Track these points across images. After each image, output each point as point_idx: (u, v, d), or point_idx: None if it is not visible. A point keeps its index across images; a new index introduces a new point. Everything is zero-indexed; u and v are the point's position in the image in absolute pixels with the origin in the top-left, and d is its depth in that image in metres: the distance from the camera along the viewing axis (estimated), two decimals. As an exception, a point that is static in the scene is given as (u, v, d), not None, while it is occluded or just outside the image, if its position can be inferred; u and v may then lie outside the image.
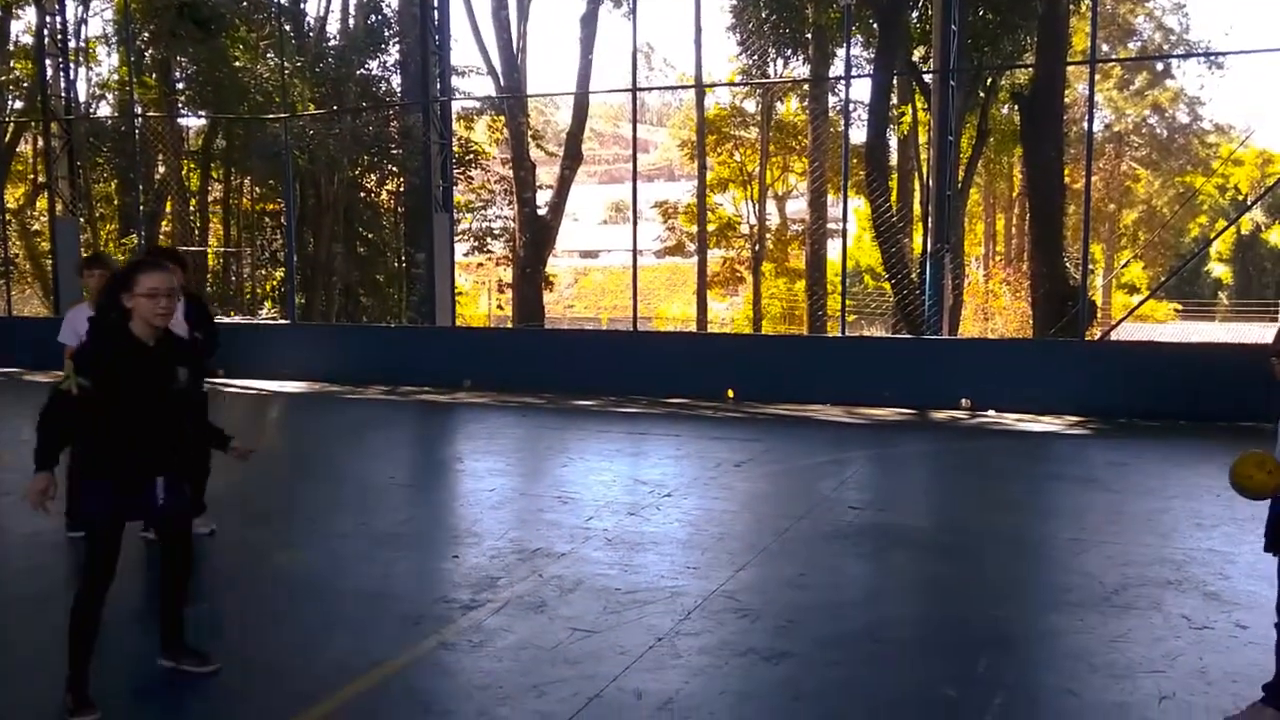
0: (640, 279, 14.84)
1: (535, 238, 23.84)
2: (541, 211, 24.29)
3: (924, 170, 20.48)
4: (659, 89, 16.27)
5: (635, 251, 14.27)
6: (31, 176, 28.97)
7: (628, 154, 24.55)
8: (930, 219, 16.19)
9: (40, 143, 28.14)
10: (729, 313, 27.97)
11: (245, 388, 14.24)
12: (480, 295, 30.84)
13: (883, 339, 16.54)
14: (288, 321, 16.99)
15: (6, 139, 28.89)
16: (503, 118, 25.55)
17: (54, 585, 5.87)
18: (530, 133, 24.41)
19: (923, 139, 21.28)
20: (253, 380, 14.56)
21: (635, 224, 14.33)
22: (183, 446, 4.26)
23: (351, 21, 25.12)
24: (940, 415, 12.02)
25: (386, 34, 23.40)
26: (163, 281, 4.00)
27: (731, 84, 23.34)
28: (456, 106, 17.29)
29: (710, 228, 23.08)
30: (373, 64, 23.85)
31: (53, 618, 4.56)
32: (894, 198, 20.93)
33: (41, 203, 28.61)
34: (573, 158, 23.49)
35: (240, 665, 4.76)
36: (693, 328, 18.27)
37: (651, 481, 8.52)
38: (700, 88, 15.31)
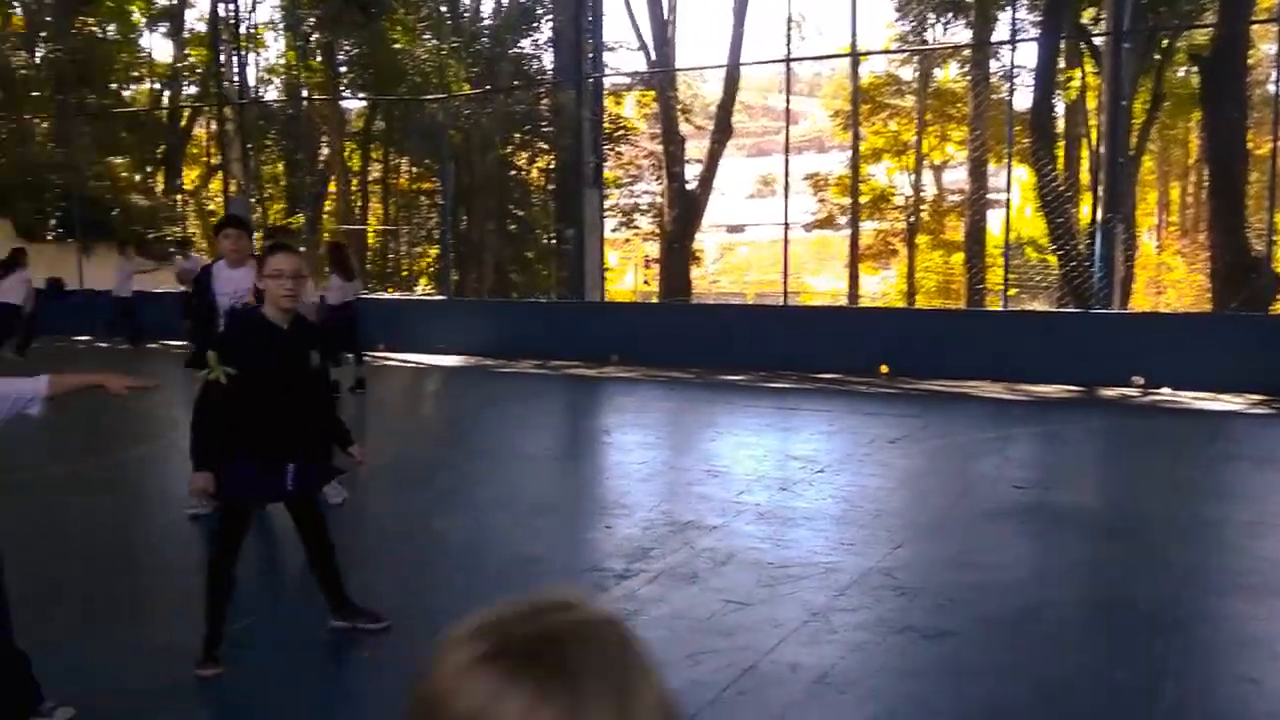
0: (789, 252, 14.64)
1: (683, 212, 23.78)
2: (690, 186, 24.21)
3: (1093, 137, 19.50)
4: (812, 59, 15.96)
5: (786, 224, 14.08)
6: (205, 159, 30.53)
7: (776, 126, 24.23)
8: (1100, 187, 15.43)
9: (214, 126, 29.64)
10: (881, 286, 27.35)
11: (403, 361, 14.67)
12: (627, 270, 31.02)
13: (1048, 313, 15.88)
14: (443, 297, 17.43)
15: (183, 123, 30.53)
16: (652, 92, 25.55)
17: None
18: (679, 107, 24.33)
19: (1092, 104, 20.29)
20: (410, 354, 14.99)
21: (787, 196, 14.14)
22: (314, 428, 4.29)
23: (505, 1, 25.49)
24: (1110, 393, 11.46)
25: (539, 12, 23.65)
26: (287, 263, 4.03)
27: (888, 51, 22.73)
28: (607, 82, 17.36)
29: (863, 199, 22.57)
30: (525, 42, 24.16)
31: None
32: (1060, 166, 20.05)
33: (215, 184, 30.15)
34: (722, 131, 23.28)
35: (402, 628, 4.89)
36: (843, 302, 17.92)
37: (803, 457, 8.37)
38: (855, 56, 14.92)
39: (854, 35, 14.15)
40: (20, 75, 26.40)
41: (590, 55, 15.22)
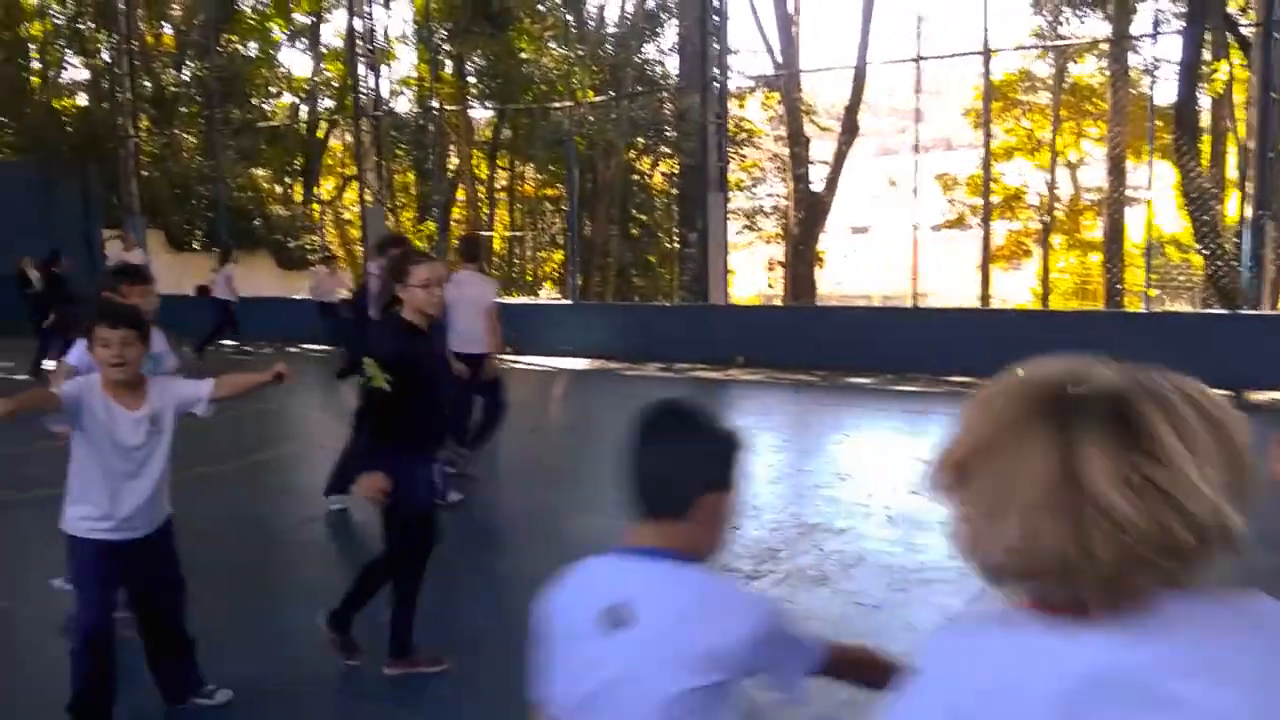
0: (917, 253, 14.39)
1: (808, 214, 23.60)
2: (815, 187, 24.00)
3: (1241, 131, 18.60)
4: (943, 57, 15.60)
5: (915, 225, 13.85)
6: (340, 169, 31.62)
7: (902, 125, 23.79)
8: (1249, 184, 14.70)
9: (349, 138, 30.66)
10: (1013, 288, 26.60)
11: (530, 364, 14.91)
12: (750, 273, 30.92)
13: (1192, 314, 15.21)
14: (568, 301, 17.64)
15: (320, 135, 31.67)
16: (777, 94, 25.43)
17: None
18: (804, 108, 24.16)
19: (1239, 97, 19.36)
20: (537, 357, 15.22)
21: (915, 197, 13.89)
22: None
23: (630, 7, 25.72)
24: (1260, 397, 10.92)
25: (664, 17, 23.79)
26: (434, 272, 4.20)
27: (1022, 47, 22.11)
28: (731, 85, 17.33)
29: (994, 199, 22.01)
30: (649, 48, 24.34)
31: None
32: (1205, 162, 19.19)
33: (350, 193, 31.19)
34: (849, 132, 23.04)
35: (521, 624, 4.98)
36: (974, 304, 17.52)
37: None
38: (987, 52, 14.57)
39: (985, 31, 13.83)
40: (170, 93, 27.78)
41: (715, 59, 15.21)
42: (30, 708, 4.16)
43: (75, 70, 28.00)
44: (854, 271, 36.94)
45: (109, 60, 23.66)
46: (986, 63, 14.99)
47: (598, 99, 21.86)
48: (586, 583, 1.80)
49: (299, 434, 10.58)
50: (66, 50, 27.33)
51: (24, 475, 8.55)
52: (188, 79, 28.12)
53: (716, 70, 15.30)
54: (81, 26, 26.52)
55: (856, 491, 7.30)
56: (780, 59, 23.09)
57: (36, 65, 28.04)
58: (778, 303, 25.25)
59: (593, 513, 7.05)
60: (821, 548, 5.96)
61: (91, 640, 3.59)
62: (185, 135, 27.01)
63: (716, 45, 15.21)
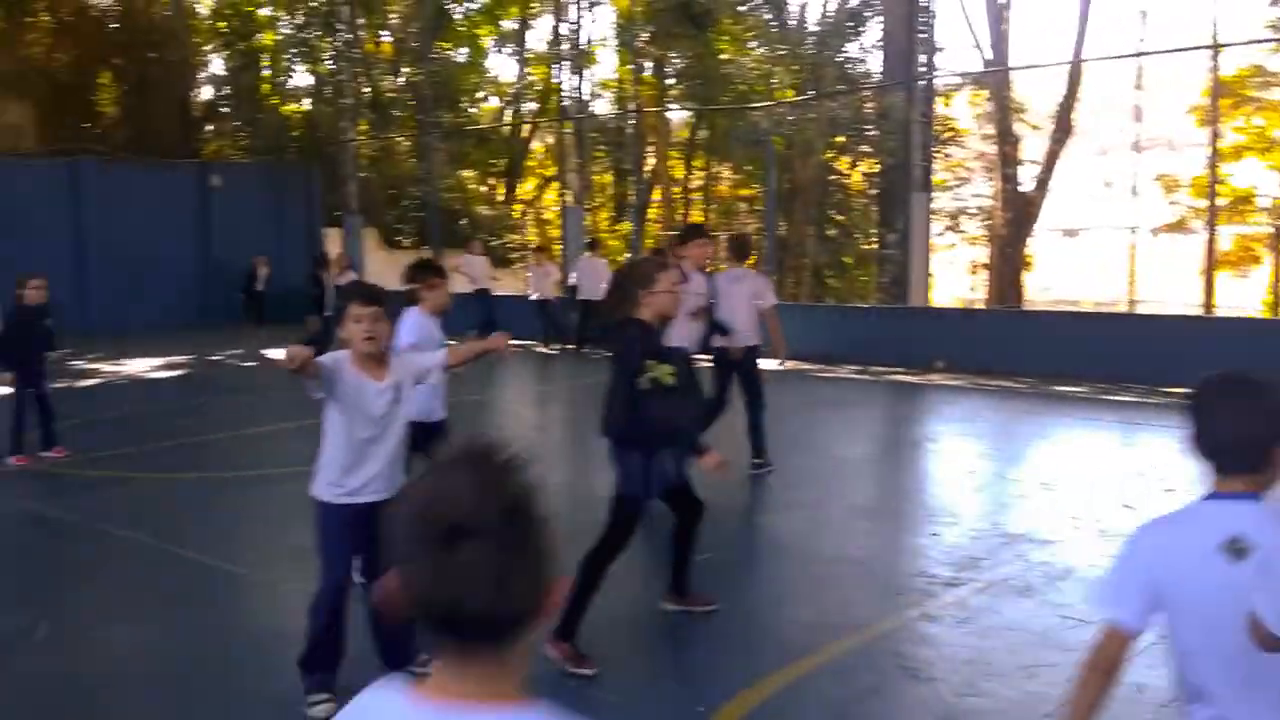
0: (1133, 258, 13.66)
1: (1017, 215, 22.71)
2: (1024, 188, 23.09)
3: None
4: (1166, 52, 14.71)
5: (1133, 228, 13.17)
6: (539, 170, 32.55)
7: (1119, 124, 22.60)
8: None
9: (550, 140, 31.53)
10: (1240, 297, 24.83)
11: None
12: (951, 276, 30.02)
13: None
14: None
15: (524, 137, 32.70)
16: (984, 92, 24.62)
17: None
18: (1014, 106, 23.27)
19: None
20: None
21: (1135, 198, 13.22)
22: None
23: (832, 5, 25.42)
24: None
25: (868, 15, 23.40)
26: (678, 278, 4.44)
27: (1255, 41, 20.61)
28: (938, 82, 16.91)
29: (1221, 201, 20.61)
30: (851, 46, 23.98)
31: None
32: None
33: (549, 193, 32.09)
34: (1063, 130, 22.02)
35: (731, 615, 5.05)
36: (1195, 312, 16.46)
37: (1150, 475, 7.79)
38: (1215, 47, 13.71)
39: (1214, 24, 13.01)
40: (387, 98, 29.29)
41: (922, 56, 14.86)
42: (262, 665, 4.52)
43: (300, 77, 29.96)
44: (1064, 275, 35.29)
45: (332, 67, 25.15)
46: (1215, 57, 14.10)
47: (799, 99, 21.70)
48: (1192, 524, 2.13)
49: (509, 424, 10.97)
50: (294, 58, 29.22)
51: (287, 451, 9.27)
52: (402, 84, 29.57)
53: (923, 67, 14.94)
54: (307, 36, 28.32)
55: (1065, 503, 7.01)
56: (990, 55, 22.31)
57: (266, 73, 30.12)
58: (979, 306, 24.40)
59: (782, 512, 7.07)
60: (1026, 558, 5.77)
61: (329, 597, 3.91)
62: (400, 139, 28.40)
63: (923, 42, 14.85)
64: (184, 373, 15.07)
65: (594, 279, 15.73)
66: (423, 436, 4.78)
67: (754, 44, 24.78)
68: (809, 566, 6.07)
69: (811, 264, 24.55)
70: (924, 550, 6.03)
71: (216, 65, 28.90)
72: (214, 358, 16.58)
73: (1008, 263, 22.67)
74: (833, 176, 26.12)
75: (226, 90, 26.68)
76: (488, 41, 34.34)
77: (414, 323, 5.34)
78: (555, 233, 30.11)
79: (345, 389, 3.92)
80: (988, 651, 4.47)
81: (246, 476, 8.48)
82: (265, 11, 29.99)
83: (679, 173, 29.38)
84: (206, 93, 27.00)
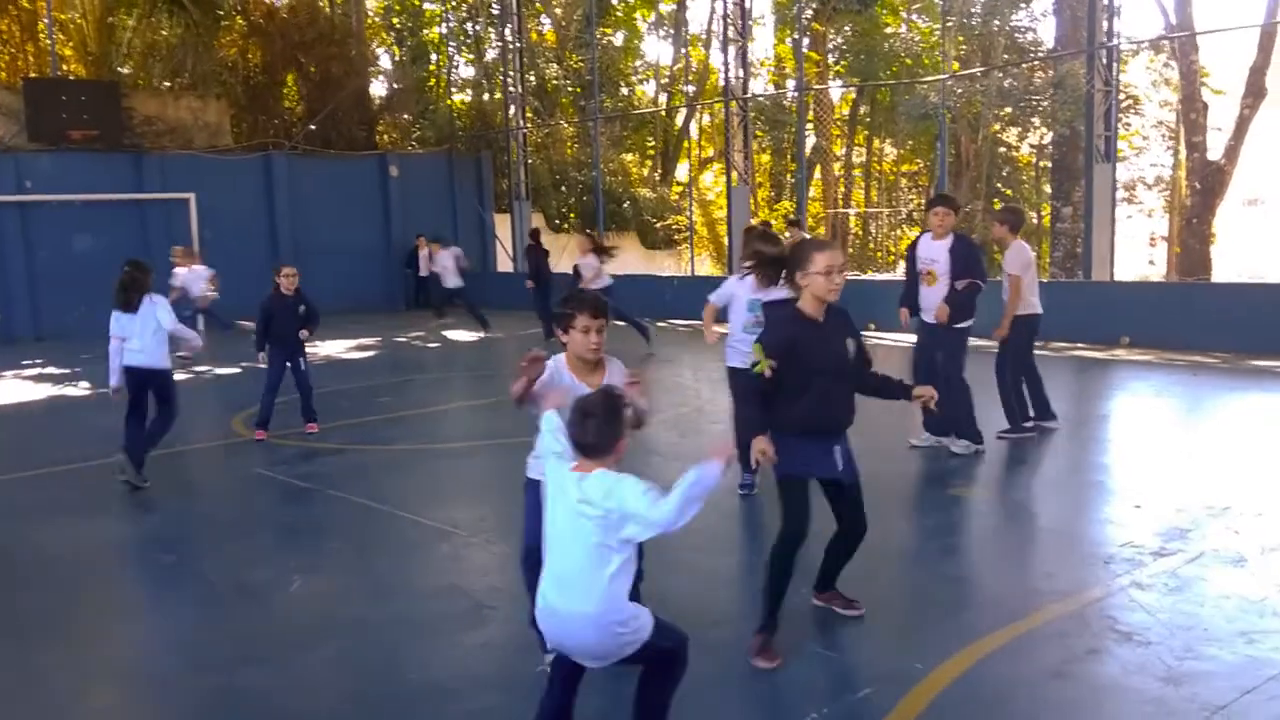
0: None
1: (1205, 185, 21.69)
2: (1213, 157, 22.02)
3: None
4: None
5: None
6: (696, 152, 32.75)
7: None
8: None
9: (708, 120, 31.68)
10: None
11: (890, 341, 14.90)
12: (1125, 249, 28.86)
13: None
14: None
15: (682, 120, 32.95)
16: (1160, 57, 23.61)
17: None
18: (1201, 71, 22.20)
19: None
20: (893, 334, 15.16)
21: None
22: (853, 414, 4.45)
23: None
24: None
25: (1039, -19, 22.74)
26: (836, 259, 4.21)
27: None
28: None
29: None
30: (1019, 14, 23.32)
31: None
32: None
33: (711, 174, 32.26)
34: (1254, 95, 20.90)
35: (940, 580, 5.20)
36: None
37: (1363, 449, 7.50)
38: None
39: None
40: (551, 85, 29.98)
41: (1105, 22, 14.36)
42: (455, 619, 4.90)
43: (463, 68, 30.95)
44: (1249, 247, 33.44)
45: (497, 57, 25.90)
46: None
47: (972, 71, 21.22)
48: None
49: (685, 401, 11.27)
50: (459, 51, 30.20)
51: (473, 426, 9.84)
52: (564, 72, 30.21)
53: (1106, 34, 14.46)
54: (471, 29, 29.23)
55: (1271, 476, 6.85)
56: (1174, 19, 21.33)
57: (433, 65, 31.24)
58: (1159, 279, 23.44)
59: (976, 485, 7.13)
60: (1236, 530, 5.70)
61: (529, 556, 4.18)
62: (563, 124, 29.05)
63: (1107, 7, 14.34)
64: (374, 354, 15.93)
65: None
66: None
67: (917, 17, 24.35)
68: (1010, 536, 6.15)
69: (980, 239, 24.04)
70: (1128, 521, 6.01)
71: (387, 60, 30.19)
72: (399, 339, 17.44)
73: (1194, 234, 21.68)
74: (1000, 149, 25.50)
75: (398, 84, 27.80)
76: (642, 26, 34.74)
77: (734, 280, 6.34)
78: (717, 213, 30.34)
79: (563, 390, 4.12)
80: (1204, 618, 4.49)
81: (442, 448, 9.08)
82: (431, 6, 31.11)
83: (838, 149, 29.16)
84: (381, 87, 28.20)
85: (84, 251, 19.06)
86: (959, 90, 21.34)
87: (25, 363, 15.51)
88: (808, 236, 17.47)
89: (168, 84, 22.30)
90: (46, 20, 20.24)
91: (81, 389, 12.96)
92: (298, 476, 7.85)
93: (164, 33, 22.56)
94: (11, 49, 20.80)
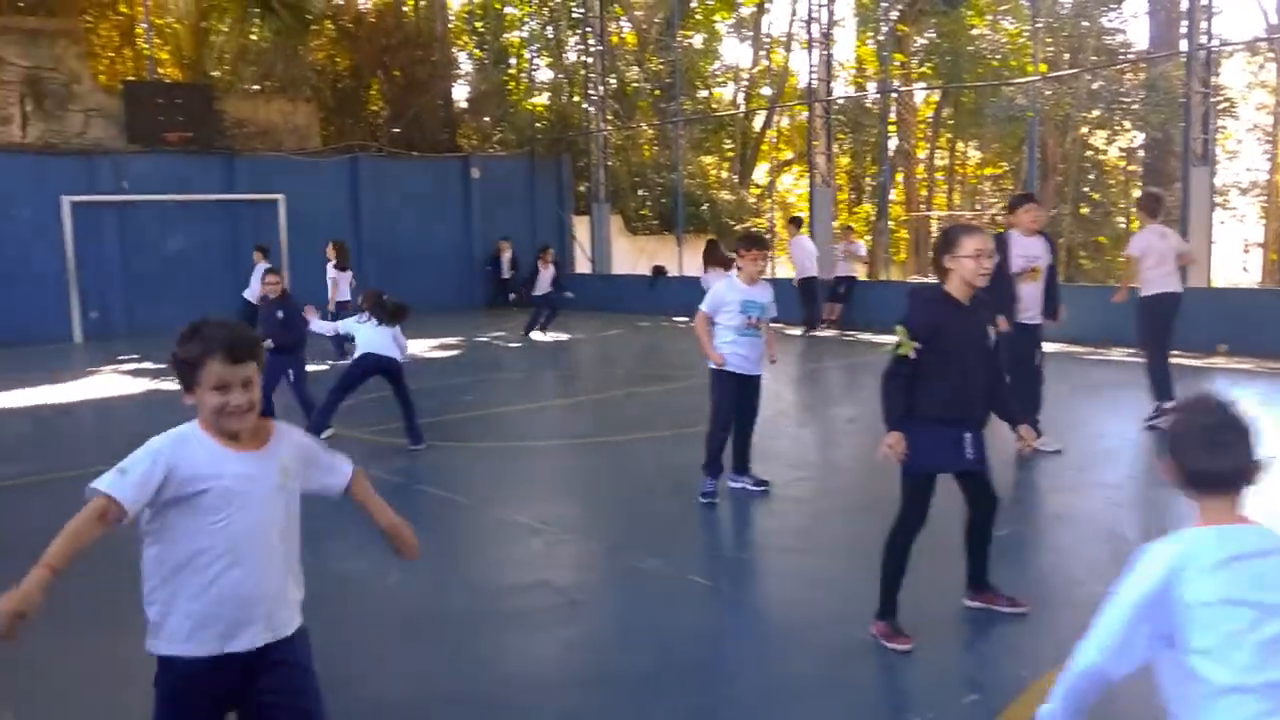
0: None
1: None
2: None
3: None
4: None
5: None
6: (776, 155, 32.61)
7: None
8: None
9: (785, 123, 31.51)
10: None
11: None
12: (1222, 255, 28.06)
13: None
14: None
15: (762, 122, 32.82)
16: (1257, 59, 22.92)
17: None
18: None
19: None
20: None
21: None
22: (988, 402, 4.41)
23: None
24: None
25: (1131, -19, 22.22)
26: (986, 244, 4.21)
27: None
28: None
29: None
30: (1110, 15, 22.82)
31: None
32: None
33: (792, 176, 32.07)
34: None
35: (1039, 590, 5.10)
36: None
37: None
38: None
39: None
40: (631, 88, 30.08)
41: (1203, 23, 13.97)
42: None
43: (545, 71, 31.18)
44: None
45: (578, 60, 26.07)
46: None
47: (1061, 73, 20.80)
48: None
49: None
50: (539, 54, 30.45)
51: (558, 426, 9.90)
52: (644, 75, 30.28)
53: (1202, 34, 14.07)
54: (551, 32, 29.45)
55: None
56: (1274, 19, 20.72)
57: (513, 68, 31.54)
58: (1253, 287, 22.75)
59: (1074, 493, 6.98)
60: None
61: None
62: (644, 127, 29.11)
63: (1206, 7, 13.94)
64: (457, 353, 16.12)
65: (805, 257, 16.52)
66: None
67: (1004, 19, 23.96)
68: (1113, 545, 6.01)
69: (1066, 244, 23.56)
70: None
71: (467, 63, 30.54)
72: (480, 339, 17.63)
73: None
74: (1088, 152, 24.98)
75: (480, 87, 28.13)
76: (723, 28, 34.67)
77: (723, 283, 6.69)
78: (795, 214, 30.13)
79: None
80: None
81: (527, 446, 9.16)
82: (512, 11, 31.42)
83: (920, 151, 28.81)
84: (463, 89, 28.55)
85: (177, 250, 19.61)
86: (1047, 92, 20.95)
87: (121, 358, 15.97)
88: (802, 235, 17.83)
89: (258, 87, 22.83)
90: (145, 25, 20.85)
91: (175, 384, 13.29)
92: (388, 472, 7.96)
93: (254, 37, 23.11)
94: (111, 53, 21.46)
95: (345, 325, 9.06)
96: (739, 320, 6.55)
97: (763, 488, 6.90)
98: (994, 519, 4.59)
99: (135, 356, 16.05)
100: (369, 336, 8.72)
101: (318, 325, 9.54)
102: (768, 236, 24.18)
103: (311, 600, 5.26)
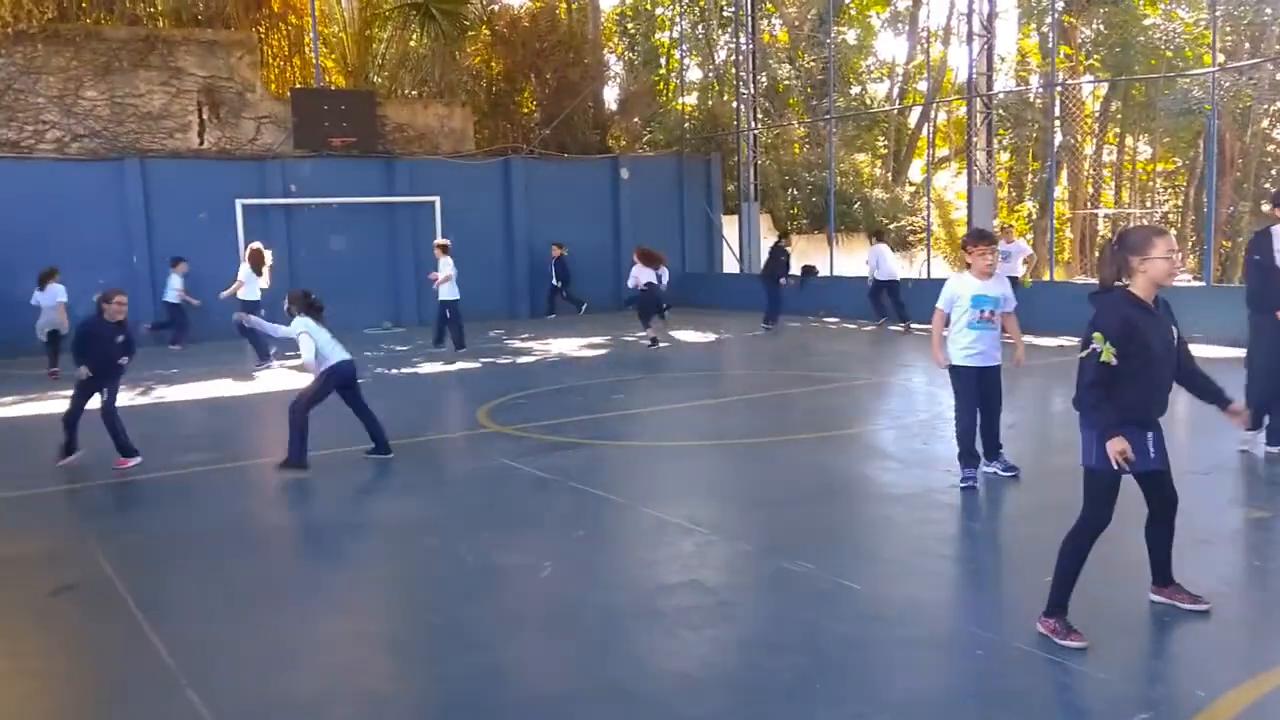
0: None
1: None
2: None
3: None
4: None
5: None
6: (931, 150, 31.79)
7: None
8: None
9: (942, 118, 30.68)
10: None
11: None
12: None
13: None
14: (1200, 284, 16.20)
15: (921, 117, 32.05)
16: None
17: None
18: None
19: None
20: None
21: None
22: (1197, 392, 4.44)
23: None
24: None
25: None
26: (1174, 244, 4.28)
27: None
28: None
29: None
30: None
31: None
32: None
33: (941, 172, 31.21)
34: None
35: (1230, 604, 4.80)
36: None
37: None
38: None
39: None
40: (782, 85, 29.82)
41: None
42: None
43: (692, 71, 31.17)
44: None
45: (729, 58, 25.94)
46: None
47: (1234, 64, 19.65)
48: None
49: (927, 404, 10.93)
50: (689, 54, 30.45)
51: (704, 425, 9.88)
52: (796, 72, 29.97)
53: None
54: (701, 31, 29.42)
55: None
56: None
57: (663, 69, 31.68)
58: None
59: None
60: None
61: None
62: (795, 125, 28.82)
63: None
64: (605, 351, 16.27)
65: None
66: None
67: (1177, 7, 22.75)
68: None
69: (1244, 243, 22.24)
70: None
71: (618, 65, 30.82)
72: (627, 338, 17.75)
73: None
74: (1270, 147, 23.53)
75: (630, 88, 28.33)
76: (877, 22, 34.06)
77: (955, 280, 6.98)
78: (953, 213, 29.35)
79: None
80: None
81: (676, 446, 9.16)
82: (663, 11, 31.57)
83: (1086, 147, 27.64)
84: (613, 91, 28.83)
85: (339, 250, 20.40)
86: (1225, 84, 19.80)
87: (289, 354, 16.70)
88: (783, 244, 18.65)
89: (416, 93, 23.53)
90: (312, 35, 21.73)
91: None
92: (540, 468, 8.08)
93: (413, 44, 23.83)
94: (280, 62, 22.44)
95: (291, 330, 8.37)
96: (973, 314, 6.80)
97: (1012, 473, 7.09)
98: (1174, 517, 4.53)
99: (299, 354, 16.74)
100: (327, 341, 8.35)
101: (269, 327, 9.23)
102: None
103: (467, 589, 5.42)
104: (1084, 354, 4.21)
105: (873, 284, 17.70)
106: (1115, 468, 4.15)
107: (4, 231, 17.34)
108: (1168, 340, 4.30)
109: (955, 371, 6.92)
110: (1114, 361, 4.14)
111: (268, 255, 14.74)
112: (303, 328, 8.24)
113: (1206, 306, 14.44)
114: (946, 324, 6.95)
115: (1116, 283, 4.33)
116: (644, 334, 16.17)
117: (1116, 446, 4.11)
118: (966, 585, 5.30)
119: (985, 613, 4.88)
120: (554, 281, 21.85)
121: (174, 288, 17.60)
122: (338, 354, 8.33)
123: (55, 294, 14.56)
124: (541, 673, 4.39)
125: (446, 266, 15.75)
